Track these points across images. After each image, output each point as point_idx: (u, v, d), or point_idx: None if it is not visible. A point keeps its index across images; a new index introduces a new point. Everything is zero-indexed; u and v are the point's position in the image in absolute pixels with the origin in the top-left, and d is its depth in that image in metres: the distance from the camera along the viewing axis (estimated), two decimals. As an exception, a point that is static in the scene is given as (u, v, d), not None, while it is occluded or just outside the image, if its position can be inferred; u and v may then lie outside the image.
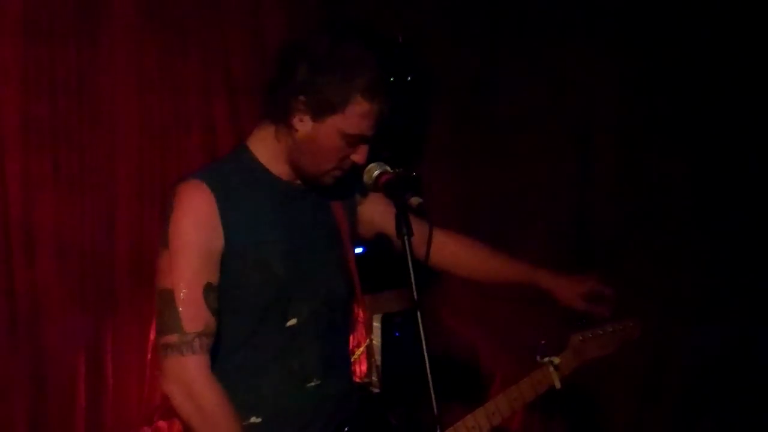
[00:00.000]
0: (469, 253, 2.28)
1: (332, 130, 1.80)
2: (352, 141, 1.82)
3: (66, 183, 3.57)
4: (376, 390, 4.48)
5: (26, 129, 3.43)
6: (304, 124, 1.81)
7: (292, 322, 1.89)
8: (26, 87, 3.42)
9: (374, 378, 4.56)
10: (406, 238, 1.67)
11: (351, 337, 4.59)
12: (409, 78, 4.40)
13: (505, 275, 2.27)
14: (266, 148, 1.90)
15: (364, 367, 4.66)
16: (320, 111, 1.78)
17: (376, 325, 4.54)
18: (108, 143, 3.70)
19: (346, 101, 1.77)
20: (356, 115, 1.79)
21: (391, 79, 4.23)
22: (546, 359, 2.24)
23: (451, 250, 2.26)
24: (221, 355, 1.85)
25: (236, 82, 4.08)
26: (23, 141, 3.42)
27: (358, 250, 2.56)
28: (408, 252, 1.65)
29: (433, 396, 1.56)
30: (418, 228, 1.77)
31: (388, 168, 1.84)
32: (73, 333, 3.62)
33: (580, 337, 2.28)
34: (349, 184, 1.91)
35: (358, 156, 1.85)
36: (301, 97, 1.79)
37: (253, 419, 1.87)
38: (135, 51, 3.74)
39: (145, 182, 3.79)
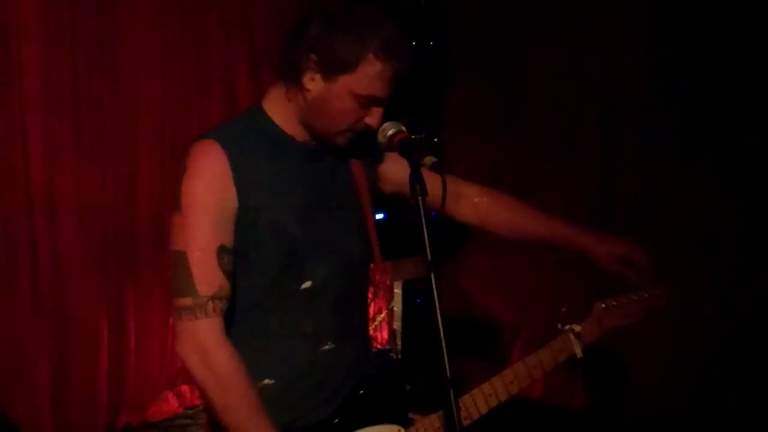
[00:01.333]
0: (507, 209, 2.22)
1: (343, 90, 1.75)
2: (365, 102, 1.78)
3: (87, 146, 3.57)
4: (397, 356, 4.49)
5: (48, 93, 3.43)
6: (315, 84, 1.77)
7: (307, 284, 1.86)
8: (48, 51, 3.41)
9: (395, 344, 4.56)
10: (419, 198, 1.63)
11: (372, 304, 4.59)
12: (432, 43, 4.34)
13: (542, 232, 2.20)
14: (280, 108, 1.85)
15: (385, 334, 4.66)
16: (331, 70, 1.74)
17: (397, 291, 4.54)
18: (129, 107, 3.70)
19: (358, 60, 1.72)
20: (368, 76, 1.73)
21: (413, 43, 4.18)
22: (567, 327, 2.19)
23: (487, 206, 2.21)
24: (235, 317, 1.83)
25: (258, 46, 4.05)
26: (45, 105, 3.43)
27: (379, 216, 2.52)
28: (421, 212, 1.61)
29: (445, 359, 1.53)
30: (438, 187, 1.72)
31: (403, 127, 1.79)
32: (95, 296, 3.65)
33: (603, 305, 2.23)
34: (370, 142, 1.87)
35: (372, 118, 1.80)
36: (313, 56, 1.74)
37: (267, 381, 1.86)
38: (156, 15, 3.73)
39: (166, 146, 3.80)
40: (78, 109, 3.53)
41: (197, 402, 3.93)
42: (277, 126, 1.86)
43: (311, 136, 1.86)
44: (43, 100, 3.42)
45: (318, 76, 1.76)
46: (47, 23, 3.40)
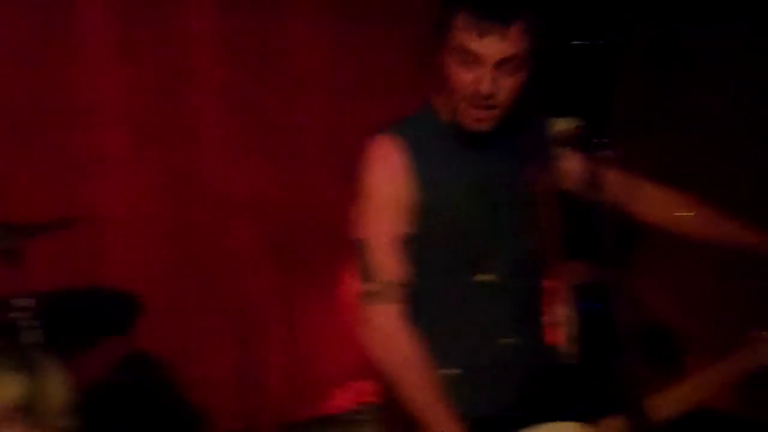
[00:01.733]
0: (690, 210, 2.16)
1: (447, 53, 1.77)
2: (463, 57, 1.75)
3: (258, 148, 3.74)
4: (573, 361, 4.38)
5: (219, 97, 3.62)
6: (442, 59, 1.80)
7: (484, 277, 1.88)
8: (218, 56, 3.61)
9: (570, 349, 4.45)
10: (596, 195, 1.59)
11: (547, 307, 4.50)
12: (599, 42, 4.22)
13: (728, 236, 2.11)
14: (442, 101, 1.90)
15: (560, 338, 4.56)
16: (441, 38, 1.77)
17: (574, 295, 4.43)
18: (297, 108, 3.83)
19: (450, 19, 1.75)
20: (458, 29, 1.74)
21: (577, 42, 4.09)
22: (762, 333, 2.07)
23: (669, 206, 2.16)
24: (419, 307, 1.87)
25: (419, 43, 4.06)
26: (217, 109, 3.62)
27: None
28: (598, 210, 1.57)
29: (626, 363, 1.49)
30: (616, 183, 1.66)
31: (577, 123, 1.75)
32: (270, 295, 3.81)
33: (798, 314, 2.10)
34: (543, 138, 1.85)
35: (479, 83, 1.74)
36: (437, 36, 1.79)
37: (454, 370, 1.90)
38: (318, 18, 3.85)
39: (333, 145, 3.90)
40: (248, 113, 3.70)
41: (373, 398, 3.99)
42: (445, 119, 1.89)
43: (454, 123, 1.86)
44: (215, 105, 3.62)
45: (442, 51, 1.79)
46: (219, 31, 3.60)
